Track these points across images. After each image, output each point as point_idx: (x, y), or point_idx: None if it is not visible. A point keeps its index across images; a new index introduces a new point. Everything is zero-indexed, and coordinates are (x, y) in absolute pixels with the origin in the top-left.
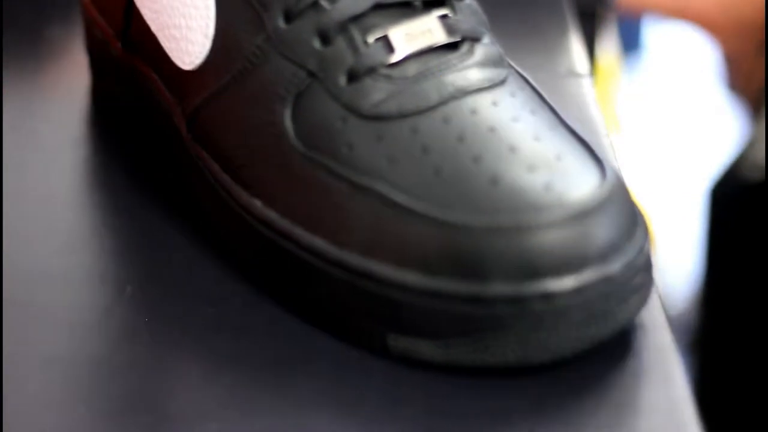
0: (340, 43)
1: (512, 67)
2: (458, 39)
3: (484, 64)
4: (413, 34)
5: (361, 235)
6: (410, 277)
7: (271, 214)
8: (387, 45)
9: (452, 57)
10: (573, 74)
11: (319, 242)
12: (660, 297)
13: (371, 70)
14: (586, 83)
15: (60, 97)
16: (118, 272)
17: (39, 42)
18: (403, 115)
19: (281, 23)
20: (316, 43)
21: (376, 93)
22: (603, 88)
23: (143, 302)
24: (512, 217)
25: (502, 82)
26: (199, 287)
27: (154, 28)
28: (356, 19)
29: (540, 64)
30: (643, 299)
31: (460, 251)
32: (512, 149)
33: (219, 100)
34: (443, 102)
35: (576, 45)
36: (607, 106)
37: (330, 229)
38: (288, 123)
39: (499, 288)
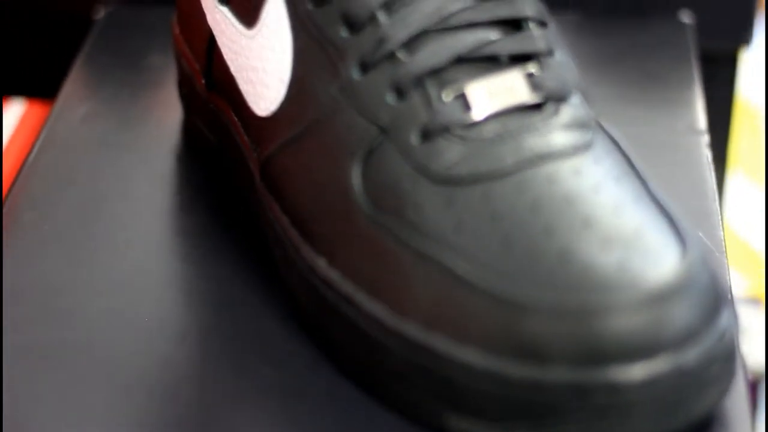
0: (414, 98)
1: (601, 127)
2: (543, 99)
3: (570, 126)
4: (494, 92)
5: (422, 305)
6: (470, 356)
7: (334, 275)
8: (464, 103)
9: (535, 118)
10: (692, 131)
11: (379, 309)
12: (745, 385)
13: (446, 130)
14: (703, 141)
15: (149, 131)
16: (181, 320)
17: (135, 71)
18: (475, 180)
19: (356, 74)
20: (390, 98)
21: (449, 154)
22: (749, 132)
23: (201, 354)
24: (580, 298)
25: (586, 147)
26: (261, 344)
27: (232, 69)
28: (434, 73)
29: (656, 117)
30: (723, 391)
31: (521, 331)
32: (587, 223)
33: (290, 150)
34: (519, 168)
35: (699, 99)
36: (753, 151)
37: (391, 297)
38: (356, 180)
39: (560, 374)
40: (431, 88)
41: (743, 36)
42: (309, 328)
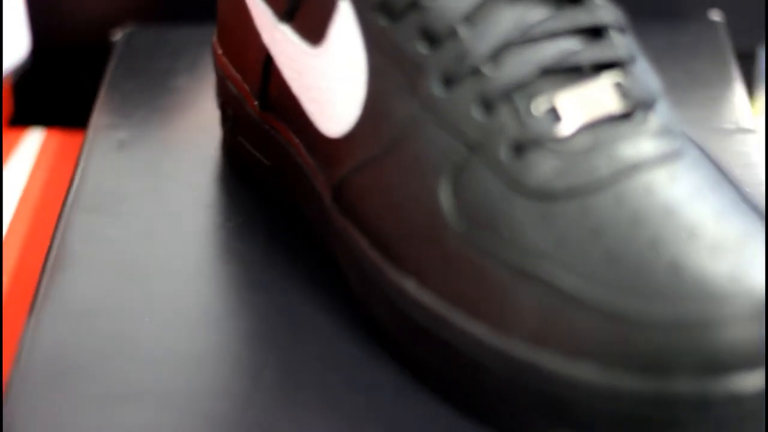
0: (503, 113)
1: (687, 136)
2: (631, 107)
3: (659, 134)
4: (583, 103)
5: (525, 324)
6: (582, 372)
7: (426, 296)
8: (554, 115)
9: (625, 127)
10: (740, 130)
11: (479, 330)
12: None
13: (537, 143)
14: (752, 140)
15: (188, 155)
16: (255, 356)
17: (164, 93)
18: (571, 194)
19: (437, 90)
20: (477, 113)
21: (543, 169)
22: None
23: (282, 390)
24: (696, 309)
25: (678, 155)
26: (345, 373)
27: (295, 89)
28: (521, 86)
29: (702, 118)
30: None
31: (639, 345)
32: (692, 233)
33: (368, 171)
34: (616, 179)
35: (741, 98)
36: None
37: (491, 317)
38: (444, 198)
39: (683, 386)
40: (519, 101)
41: (760, 34)
42: (394, 351)
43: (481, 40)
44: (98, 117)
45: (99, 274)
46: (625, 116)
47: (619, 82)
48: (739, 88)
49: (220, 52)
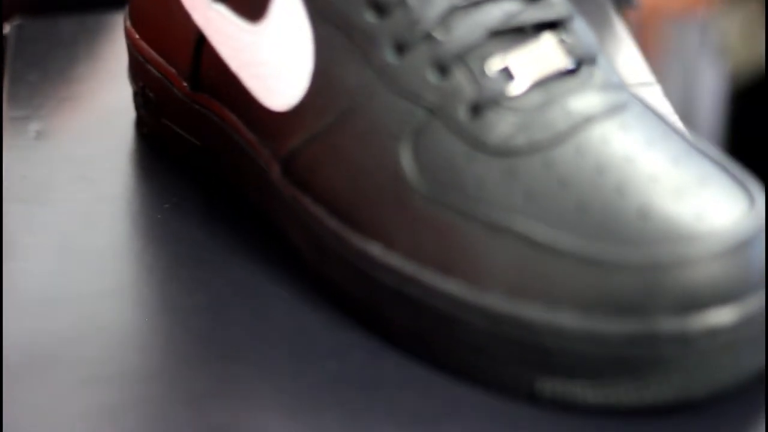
0: (458, 75)
1: (627, 88)
2: (577, 63)
3: (606, 87)
4: (532, 61)
5: (502, 277)
6: (562, 320)
7: (394, 259)
8: (508, 74)
9: (573, 82)
10: (642, 84)
11: (453, 287)
12: None
13: (494, 102)
14: (655, 92)
15: (106, 141)
16: (216, 330)
17: (69, 83)
18: (533, 148)
19: (391, 57)
20: (432, 77)
21: (503, 126)
22: None
23: (247, 361)
24: (667, 250)
25: (625, 106)
26: (315, 342)
27: (234, 66)
28: (473, 48)
29: None
30: None
31: (618, 289)
32: (654, 178)
33: (321, 141)
34: (572, 132)
35: (633, 52)
36: None
37: (465, 272)
38: (406, 162)
39: (665, 325)
40: (473, 63)
41: None
42: (359, 316)
43: (429, 6)
44: (9, 110)
45: (49, 263)
46: (571, 72)
47: (562, 39)
48: (628, 43)
49: (137, 36)
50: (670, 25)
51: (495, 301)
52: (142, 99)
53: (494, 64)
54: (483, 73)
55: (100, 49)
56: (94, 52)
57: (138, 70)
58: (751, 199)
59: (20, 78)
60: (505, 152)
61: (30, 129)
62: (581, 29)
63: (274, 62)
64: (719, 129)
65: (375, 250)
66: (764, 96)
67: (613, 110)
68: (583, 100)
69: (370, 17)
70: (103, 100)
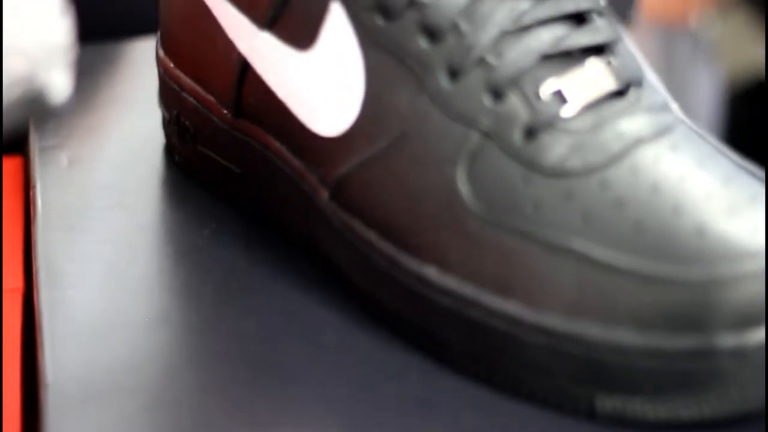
0: (513, 98)
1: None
2: (625, 85)
3: (653, 109)
4: (584, 84)
5: (561, 296)
6: (622, 337)
7: (450, 281)
8: (561, 98)
9: (622, 104)
10: None
11: (512, 307)
12: None
13: (549, 125)
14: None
15: (138, 168)
16: (266, 356)
17: (96, 110)
18: (588, 170)
19: (445, 82)
20: (487, 101)
21: (558, 148)
22: None
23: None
24: (727, 268)
25: (674, 127)
26: (369, 365)
27: (281, 94)
28: (525, 72)
29: None
30: None
31: (676, 306)
32: (708, 197)
33: (374, 166)
34: (626, 153)
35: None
36: None
37: (523, 293)
38: (462, 185)
39: (723, 340)
40: (527, 87)
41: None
42: (417, 339)
43: (481, 32)
44: (39, 140)
45: (95, 291)
46: (619, 94)
47: (609, 62)
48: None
49: (171, 65)
50: (660, 34)
51: (554, 320)
52: (176, 127)
53: (547, 88)
54: (537, 96)
55: (120, 77)
56: (114, 80)
57: (172, 98)
58: None
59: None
60: (561, 174)
61: (62, 158)
62: (627, 52)
63: (325, 89)
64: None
65: (431, 273)
66: (761, 100)
67: (663, 131)
68: (634, 122)
69: (423, 43)
70: (130, 128)
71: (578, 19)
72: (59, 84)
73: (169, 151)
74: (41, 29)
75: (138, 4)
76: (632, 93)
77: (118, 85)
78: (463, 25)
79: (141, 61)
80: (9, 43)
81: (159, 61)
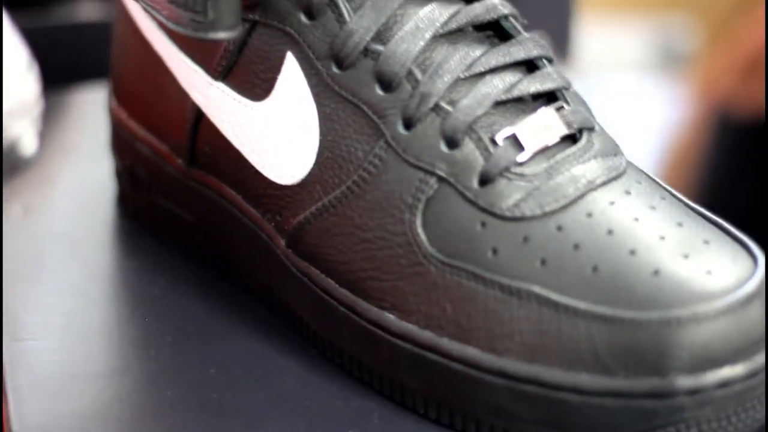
0: (468, 145)
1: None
2: (577, 131)
3: (605, 153)
4: (536, 130)
5: (521, 339)
6: (582, 379)
7: (409, 327)
8: (515, 143)
9: (574, 149)
10: None
11: (472, 351)
12: None
13: (504, 170)
14: None
15: (92, 217)
16: (227, 404)
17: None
18: (545, 214)
19: (401, 129)
20: (443, 147)
21: (514, 193)
22: None
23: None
24: (685, 308)
25: (625, 171)
26: (331, 410)
27: (237, 143)
28: (480, 118)
29: None
30: None
31: (635, 347)
32: (662, 238)
33: (331, 214)
34: (580, 196)
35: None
36: None
37: (483, 337)
38: (419, 230)
39: (681, 381)
40: (482, 133)
41: None
42: (378, 384)
43: (435, 79)
44: None
45: (55, 340)
46: (572, 139)
47: (561, 109)
48: None
49: (124, 115)
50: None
51: (514, 364)
52: (129, 177)
53: (502, 134)
54: (492, 142)
55: (68, 126)
56: (62, 129)
57: (124, 148)
58: (753, 257)
59: None
60: (518, 218)
61: (17, 208)
62: (578, 97)
63: (280, 138)
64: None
65: (390, 319)
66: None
67: (615, 175)
68: (587, 167)
69: (378, 91)
70: (81, 177)
71: (529, 66)
72: (29, 137)
73: (122, 200)
74: (11, 84)
75: (85, 51)
76: (584, 138)
77: (67, 133)
78: (418, 73)
79: (89, 109)
80: None
81: (111, 112)
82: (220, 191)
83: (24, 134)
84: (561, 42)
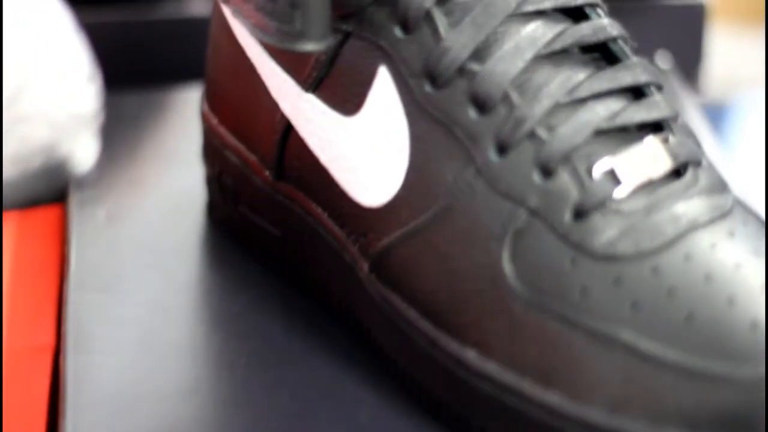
0: (563, 176)
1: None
2: (682, 165)
3: (711, 191)
4: (638, 162)
5: (606, 389)
6: None
7: (490, 366)
8: (614, 177)
9: (678, 185)
10: None
11: (553, 397)
12: None
13: (600, 206)
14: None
15: (178, 225)
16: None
17: (137, 163)
18: (640, 255)
19: (493, 156)
20: (536, 177)
21: (609, 230)
22: None
23: None
24: None
25: (731, 210)
26: None
27: (324, 159)
28: (578, 148)
29: None
30: None
31: (727, 405)
32: (763, 287)
33: (416, 240)
34: (680, 237)
35: (705, 132)
36: None
37: (566, 383)
38: (506, 264)
39: None
40: (579, 164)
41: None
42: (452, 424)
43: (533, 103)
44: (77, 192)
45: (126, 357)
46: (675, 174)
47: (667, 140)
48: (700, 122)
49: (215, 121)
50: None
51: (597, 415)
52: (217, 185)
53: (600, 166)
54: (588, 174)
55: (165, 128)
56: (159, 130)
57: (215, 156)
58: None
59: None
60: (610, 258)
61: (100, 212)
62: (685, 129)
63: (368, 157)
64: None
65: (471, 356)
66: None
67: (720, 216)
68: (690, 205)
69: (471, 113)
70: (172, 183)
71: (635, 93)
72: (83, 153)
73: (211, 209)
74: (68, 97)
75: (185, 50)
76: (689, 173)
77: (163, 135)
78: (515, 96)
79: (187, 110)
80: (33, 110)
81: (203, 116)
82: (307, 207)
83: (77, 150)
84: (690, 60)
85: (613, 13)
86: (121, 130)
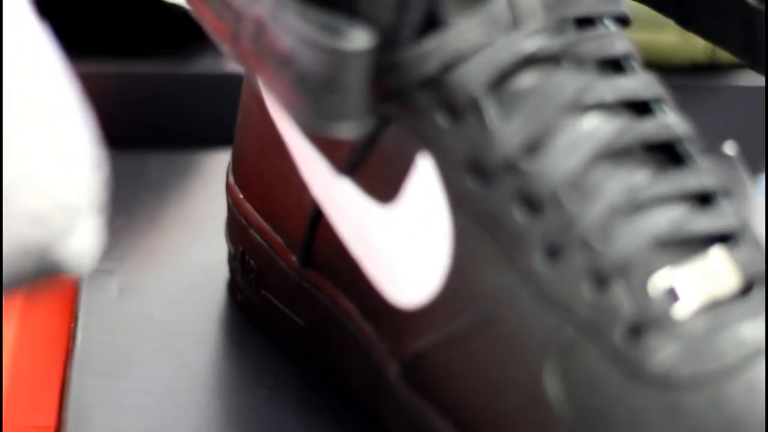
0: (617, 290)
1: None
2: (750, 282)
3: None
4: (700, 279)
5: None
6: None
7: None
8: (672, 293)
9: (745, 306)
10: None
11: None
12: None
13: (657, 325)
14: None
15: (196, 303)
16: None
17: (156, 231)
18: (699, 382)
19: (539, 263)
20: (587, 290)
21: (665, 354)
22: None
23: None
24: None
25: None
26: None
27: (356, 249)
28: (635, 261)
29: None
30: None
31: None
32: None
33: (454, 346)
34: (745, 365)
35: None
36: None
37: None
38: (550, 383)
39: None
40: (635, 278)
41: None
42: None
43: (588, 208)
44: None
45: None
46: (742, 292)
47: (734, 254)
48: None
49: (241, 196)
50: None
51: None
52: (240, 264)
53: (659, 281)
54: (645, 290)
55: (190, 194)
56: (184, 196)
57: (238, 233)
58: None
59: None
60: (666, 384)
61: (112, 285)
62: (755, 241)
63: (405, 252)
64: None
65: None
66: None
67: None
68: (757, 328)
69: (519, 215)
70: (192, 256)
71: (701, 199)
72: (81, 253)
73: (232, 288)
74: (65, 190)
75: (219, 108)
76: (757, 292)
77: (187, 202)
78: (567, 199)
79: (216, 176)
80: (23, 207)
81: (228, 188)
82: (335, 299)
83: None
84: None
85: (677, 93)
86: (142, 194)
